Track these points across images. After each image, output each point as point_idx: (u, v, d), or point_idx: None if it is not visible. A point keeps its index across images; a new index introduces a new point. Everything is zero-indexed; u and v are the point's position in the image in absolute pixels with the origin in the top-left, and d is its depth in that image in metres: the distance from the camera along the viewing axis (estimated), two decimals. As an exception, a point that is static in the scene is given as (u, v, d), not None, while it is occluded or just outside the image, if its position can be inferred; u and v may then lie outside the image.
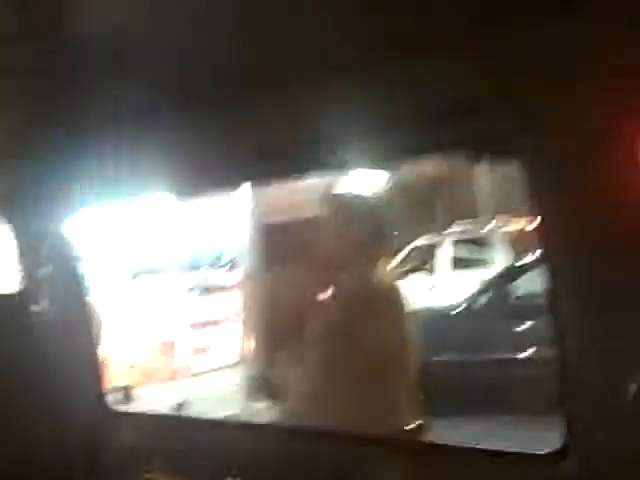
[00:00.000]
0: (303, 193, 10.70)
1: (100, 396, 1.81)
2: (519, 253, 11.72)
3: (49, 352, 1.60)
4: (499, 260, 12.09)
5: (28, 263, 1.83)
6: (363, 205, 2.33)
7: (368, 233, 2.19)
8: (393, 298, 2.21)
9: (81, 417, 1.67)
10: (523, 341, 7.03)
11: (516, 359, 7.00)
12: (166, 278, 10.17)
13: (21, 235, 1.80)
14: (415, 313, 8.16)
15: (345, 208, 2.25)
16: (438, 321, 7.94)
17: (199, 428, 1.63)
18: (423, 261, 13.17)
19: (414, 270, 12.94)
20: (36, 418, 1.52)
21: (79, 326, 1.80)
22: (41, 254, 1.80)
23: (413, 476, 1.24)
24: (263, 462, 1.28)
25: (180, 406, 1.83)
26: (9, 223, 1.83)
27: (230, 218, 10.57)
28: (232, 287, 10.50)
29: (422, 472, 1.24)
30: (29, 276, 1.81)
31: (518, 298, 7.82)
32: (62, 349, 1.69)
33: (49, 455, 1.55)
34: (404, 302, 2.26)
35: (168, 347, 9.83)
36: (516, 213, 14.37)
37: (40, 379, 1.56)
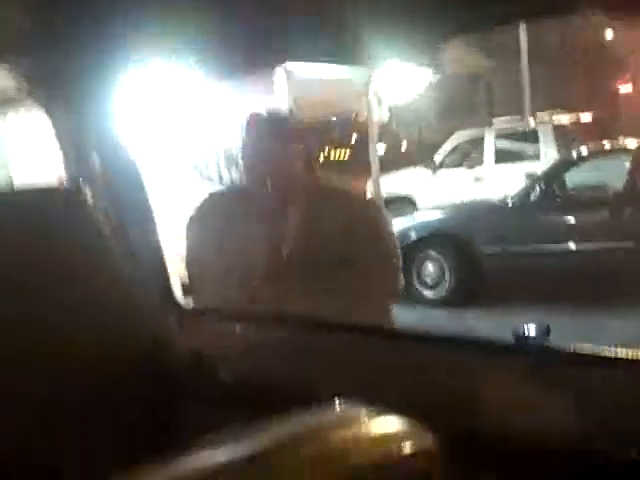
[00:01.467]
0: (341, 91, 10.64)
1: (167, 291, 1.69)
2: (566, 146, 11.52)
3: (110, 245, 1.45)
4: (545, 153, 11.89)
5: (74, 153, 1.67)
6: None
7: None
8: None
9: (147, 312, 1.55)
10: (575, 233, 6.97)
11: (570, 251, 6.94)
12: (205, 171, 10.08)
13: (64, 122, 1.64)
14: (467, 204, 8.10)
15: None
16: (490, 213, 7.83)
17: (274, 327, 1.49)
18: (466, 154, 13.00)
19: (457, 164, 12.82)
20: (103, 309, 1.38)
21: (139, 218, 1.66)
22: (87, 143, 1.64)
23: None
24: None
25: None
26: (49, 110, 1.66)
27: None
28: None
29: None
30: (78, 166, 1.66)
31: (571, 190, 7.68)
32: (123, 242, 1.54)
33: (116, 350, 1.43)
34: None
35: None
36: (561, 108, 14.15)
37: (105, 271, 1.42)
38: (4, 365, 1.25)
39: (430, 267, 7.54)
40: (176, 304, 1.69)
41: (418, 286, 7.50)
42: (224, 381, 1.56)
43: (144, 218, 1.68)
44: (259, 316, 1.59)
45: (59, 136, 1.64)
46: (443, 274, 7.45)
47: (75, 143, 1.64)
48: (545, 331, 1.14)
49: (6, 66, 1.65)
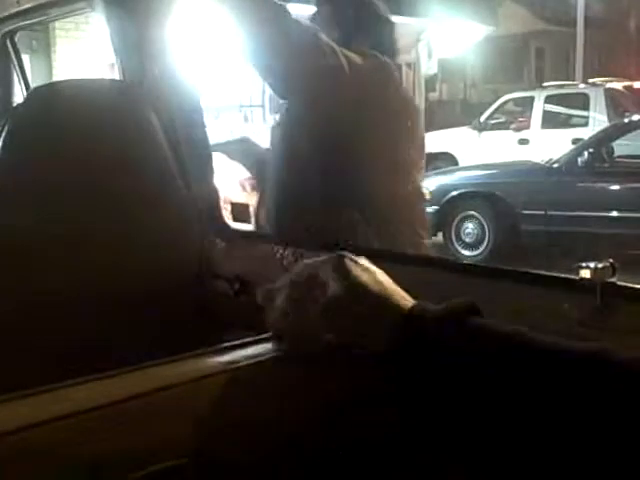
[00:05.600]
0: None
1: (216, 212, 1.66)
2: (617, 113, 11.28)
3: (164, 150, 1.42)
4: (595, 119, 11.66)
5: (132, 63, 1.63)
6: None
7: None
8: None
9: (195, 231, 1.52)
10: (619, 202, 6.85)
11: (611, 219, 6.83)
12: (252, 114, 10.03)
13: (124, 31, 1.60)
14: (509, 165, 7.99)
15: None
16: (533, 175, 7.67)
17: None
18: (514, 117, 12.80)
19: (504, 126, 12.64)
20: (148, 214, 1.36)
21: (192, 128, 1.62)
22: (146, 54, 1.59)
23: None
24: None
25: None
26: (109, 19, 1.62)
27: None
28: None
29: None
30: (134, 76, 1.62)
31: (619, 158, 7.52)
32: (176, 154, 1.51)
33: (160, 266, 1.40)
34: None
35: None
36: (614, 77, 13.83)
37: (154, 174, 1.39)
38: (49, 261, 1.23)
39: (470, 226, 7.48)
40: (225, 226, 1.67)
41: (457, 245, 7.45)
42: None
43: (198, 137, 1.65)
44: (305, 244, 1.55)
45: (117, 45, 1.61)
46: (483, 234, 7.38)
47: (134, 53, 1.60)
48: (610, 269, 1.09)
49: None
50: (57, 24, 9.55)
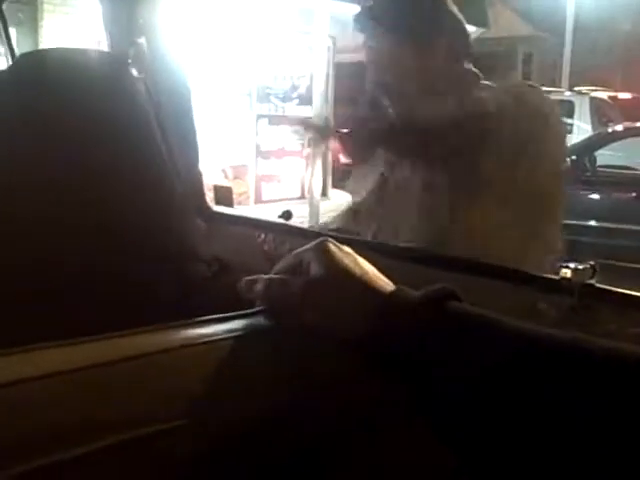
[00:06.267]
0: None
1: (199, 193, 1.65)
2: (601, 122, 11.36)
3: (151, 120, 1.40)
4: (579, 127, 11.74)
5: (121, 39, 1.61)
6: None
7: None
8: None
9: (177, 210, 1.51)
10: (599, 211, 6.91)
11: (592, 227, 6.88)
12: (236, 104, 10.00)
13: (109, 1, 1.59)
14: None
15: None
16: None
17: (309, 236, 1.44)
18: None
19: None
20: (136, 181, 1.34)
21: (180, 106, 1.61)
22: (135, 30, 1.57)
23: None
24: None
25: (286, 214, 1.71)
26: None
27: (306, 52, 10.42)
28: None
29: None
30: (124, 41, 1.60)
31: (601, 167, 7.57)
32: (164, 123, 1.49)
33: (141, 243, 1.39)
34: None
35: (241, 171, 9.79)
36: (599, 86, 13.92)
37: (142, 146, 1.38)
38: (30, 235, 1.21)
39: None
40: (207, 208, 1.66)
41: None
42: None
43: (185, 119, 1.64)
44: (286, 230, 1.55)
45: (106, 19, 1.59)
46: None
47: (123, 29, 1.58)
48: (590, 271, 1.10)
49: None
50: (44, -2, 9.45)
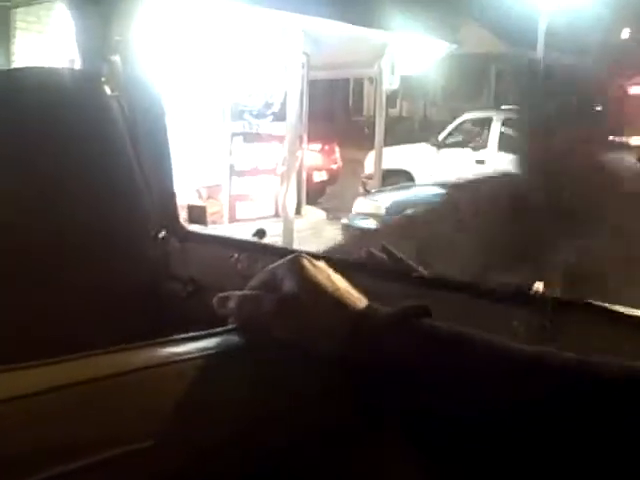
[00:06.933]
0: (355, 52, 10.58)
1: (172, 212, 1.65)
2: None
3: (124, 138, 1.40)
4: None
5: (94, 56, 1.61)
6: None
7: None
8: None
9: (151, 229, 1.50)
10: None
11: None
12: (209, 122, 10.00)
13: (86, 23, 1.58)
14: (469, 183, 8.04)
15: None
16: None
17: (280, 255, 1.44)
18: (472, 136, 12.96)
19: (462, 144, 12.79)
20: (109, 200, 1.34)
21: (154, 124, 1.60)
22: (109, 47, 1.57)
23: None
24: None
25: (260, 233, 1.69)
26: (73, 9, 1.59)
27: (279, 70, 10.46)
28: (273, 138, 10.44)
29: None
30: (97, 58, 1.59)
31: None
32: (138, 141, 1.49)
33: (113, 262, 1.38)
34: None
35: (215, 191, 9.76)
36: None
37: (115, 164, 1.37)
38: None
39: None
40: (181, 227, 1.65)
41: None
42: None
43: (158, 137, 1.63)
44: (259, 249, 1.55)
45: (79, 37, 1.59)
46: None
47: (96, 46, 1.58)
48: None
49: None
50: (18, 16, 9.39)
